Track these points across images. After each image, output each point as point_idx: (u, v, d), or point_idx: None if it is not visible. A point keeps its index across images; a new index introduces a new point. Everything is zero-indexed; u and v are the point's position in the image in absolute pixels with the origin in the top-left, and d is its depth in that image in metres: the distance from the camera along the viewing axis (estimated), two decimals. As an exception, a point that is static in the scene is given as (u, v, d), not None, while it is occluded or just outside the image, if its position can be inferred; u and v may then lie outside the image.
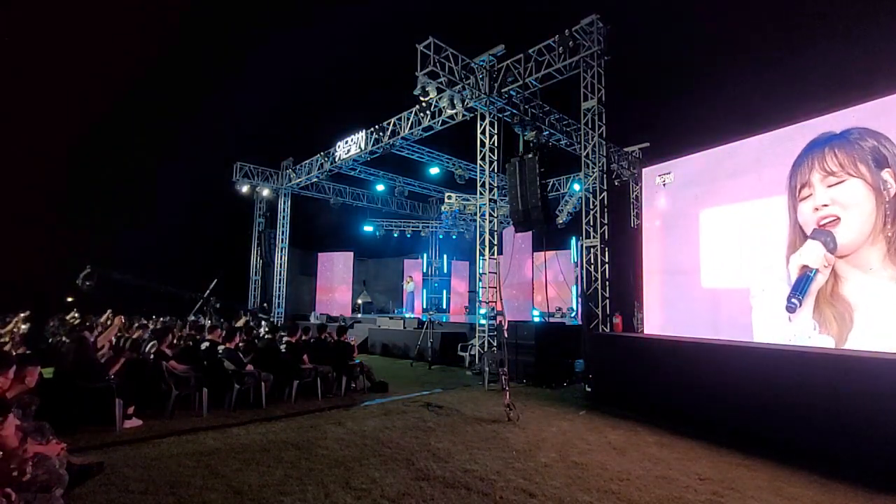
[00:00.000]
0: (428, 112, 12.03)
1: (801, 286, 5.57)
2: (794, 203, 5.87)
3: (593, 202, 9.08)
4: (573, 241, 16.12)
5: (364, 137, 14.09)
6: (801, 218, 5.76)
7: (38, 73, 18.11)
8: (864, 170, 5.22)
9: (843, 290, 5.33)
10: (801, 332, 5.62)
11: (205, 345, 6.81)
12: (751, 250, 6.32)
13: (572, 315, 15.18)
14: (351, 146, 14.57)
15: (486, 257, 10.73)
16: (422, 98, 9.93)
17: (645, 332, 7.81)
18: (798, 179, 5.89)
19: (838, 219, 5.36)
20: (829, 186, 5.49)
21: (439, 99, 10.36)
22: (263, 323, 13.65)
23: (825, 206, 5.49)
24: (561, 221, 16.01)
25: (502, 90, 10.10)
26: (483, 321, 10.67)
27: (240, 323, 12.64)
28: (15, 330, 9.31)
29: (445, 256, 24.13)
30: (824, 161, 5.57)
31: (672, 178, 7.50)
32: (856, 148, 5.31)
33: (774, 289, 5.96)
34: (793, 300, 5.64)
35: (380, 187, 18.55)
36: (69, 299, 17.07)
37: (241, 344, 7.35)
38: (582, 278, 9.59)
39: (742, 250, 6.43)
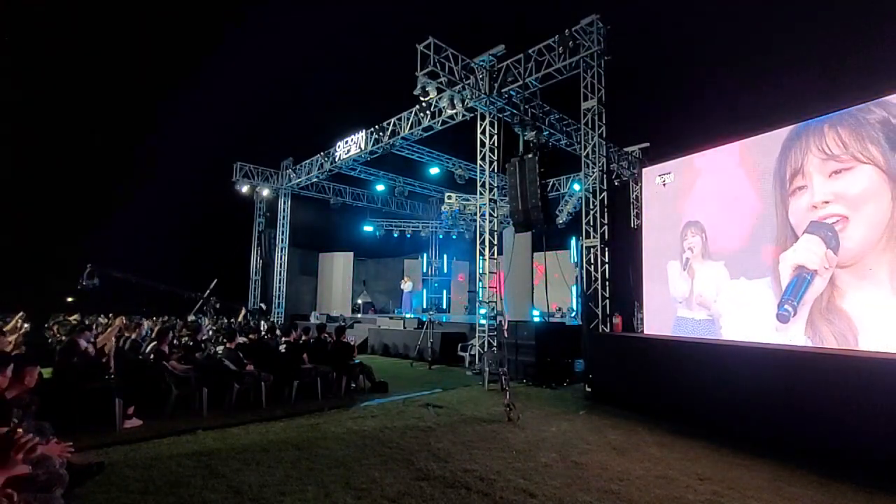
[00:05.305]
0: (428, 112, 12.01)
1: (794, 290, 4.67)
2: (784, 197, 4.72)
3: (593, 202, 9.08)
4: (573, 241, 16.11)
5: (364, 137, 14.08)
6: (794, 218, 4.63)
7: (38, 72, 18.12)
8: (875, 152, 3.99)
9: (843, 303, 4.34)
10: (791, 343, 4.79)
11: (219, 348, 6.81)
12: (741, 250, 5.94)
13: (572, 315, 15.17)
14: (351, 146, 14.56)
15: (486, 257, 10.74)
16: (422, 98, 9.91)
17: (645, 332, 7.81)
18: (788, 166, 4.63)
19: (845, 220, 4.19)
20: (831, 176, 4.24)
21: (439, 99, 10.36)
22: (263, 322, 13.64)
23: (826, 203, 4.30)
24: (561, 221, 16.00)
25: (502, 90, 10.09)
26: (483, 321, 10.67)
27: (239, 318, 12.65)
28: (17, 326, 9.28)
29: (445, 256, 24.11)
30: (823, 141, 4.30)
31: (672, 177, 7.50)
32: (863, 124, 4.07)
33: (758, 292, 5.40)
34: (786, 307, 4.75)
35: (380, 187, 18.53)
36: (69, 299, 17.10)
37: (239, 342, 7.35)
38: (582, 278, 9.58)
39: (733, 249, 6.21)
